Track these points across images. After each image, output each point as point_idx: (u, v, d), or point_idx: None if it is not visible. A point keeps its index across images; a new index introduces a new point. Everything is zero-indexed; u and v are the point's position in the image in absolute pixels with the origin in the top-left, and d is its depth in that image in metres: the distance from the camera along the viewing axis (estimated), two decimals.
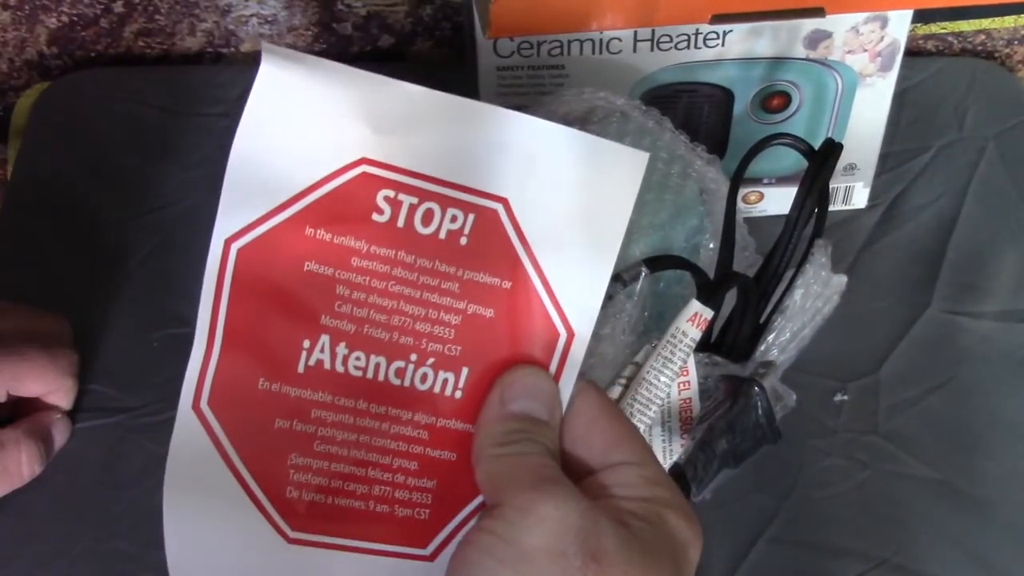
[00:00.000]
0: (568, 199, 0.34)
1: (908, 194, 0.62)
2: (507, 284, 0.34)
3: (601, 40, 0.51)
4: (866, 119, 0.57)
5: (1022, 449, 0.53)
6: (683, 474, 0.40)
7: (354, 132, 0.33)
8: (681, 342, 0.39)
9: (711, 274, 0.43)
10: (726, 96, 0.55)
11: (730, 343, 0.43)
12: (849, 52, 0.53)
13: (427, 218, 0.34)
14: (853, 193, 0.60)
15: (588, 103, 0.50)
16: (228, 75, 0.65)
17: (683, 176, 0.48)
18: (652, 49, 0.52)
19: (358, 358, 0.34)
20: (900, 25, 0.53)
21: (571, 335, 0.34)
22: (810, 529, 0.50)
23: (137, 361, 0.53)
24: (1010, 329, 0.56)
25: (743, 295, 0.42)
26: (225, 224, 0.33)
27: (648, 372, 0.39)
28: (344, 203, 0.33)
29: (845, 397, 0.54)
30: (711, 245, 0.48)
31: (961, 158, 0.63)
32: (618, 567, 0.30)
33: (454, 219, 0.34)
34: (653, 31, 0.51)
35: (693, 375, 0.42)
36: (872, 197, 0.61)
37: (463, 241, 0.34)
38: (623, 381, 0.40)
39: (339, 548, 0.35)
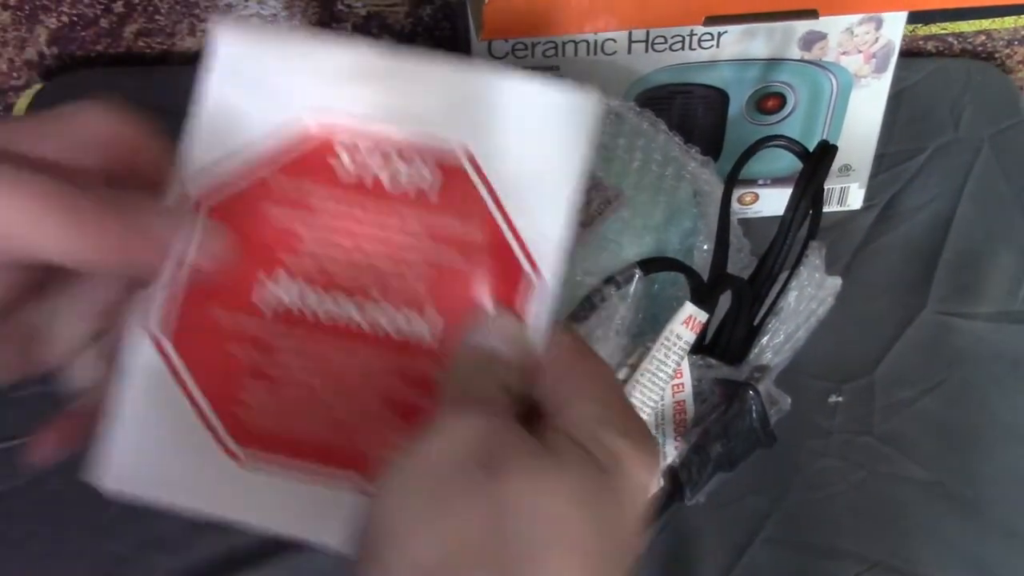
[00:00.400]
0: (527, 145, 0.35)
1: (903, 195, 0.62)
2: (478, 236, 0.35)
3: (595, 41, 0.51)
4: (861, 120, 0.57)
5: (1016, 450, 0.53)
6: (677, 477, 0.40)
7: (313, 84, 0.35)
8: (675, 344, 0.39)
9: (705, 276, 0.43)
10: (721, 97, 0.55)
11: (724, 345, 0.43)
12: (844, 53, 0.53)
13: (389, 170, 0.35)
14: (848, 194, 0.60)
15: None
16: None
17: (677, 178, 0.48)
18: (647, 50, 0.52)
19: (317, 292, 0.35)
20: (895, 26, 0.53)
21: (540, 279, 0.35)
22: (805, 530, 0.50)
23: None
24: (1004, 330, 0.56)
25: (737, 297, 0.42)
26: (190, 179, 0.35)
27: (642, 374, 0.39)
28: (301, 152, 0.35)
29: (840, 399, 0.54)
30: (705, 247, 0.48)
31: (956, 159, 0.63)
32: (524, 478, 0.28)
33: (418, 171, 0.35)
34: (647, 32, 0.50)
35: (687, 377, 0.42)
36: (867, 198, 0.61)
37: (424, 186, 0.35)
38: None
39: (293, 468, 0.35)
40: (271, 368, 0.35)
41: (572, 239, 0.35)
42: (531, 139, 0.35)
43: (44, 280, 0.38)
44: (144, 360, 0.35)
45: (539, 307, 0.34)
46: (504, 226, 0.35)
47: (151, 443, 0.36)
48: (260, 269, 0.35)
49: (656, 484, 0.33)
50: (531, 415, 0.32)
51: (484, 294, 0.35)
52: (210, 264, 0.35)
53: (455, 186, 0.35)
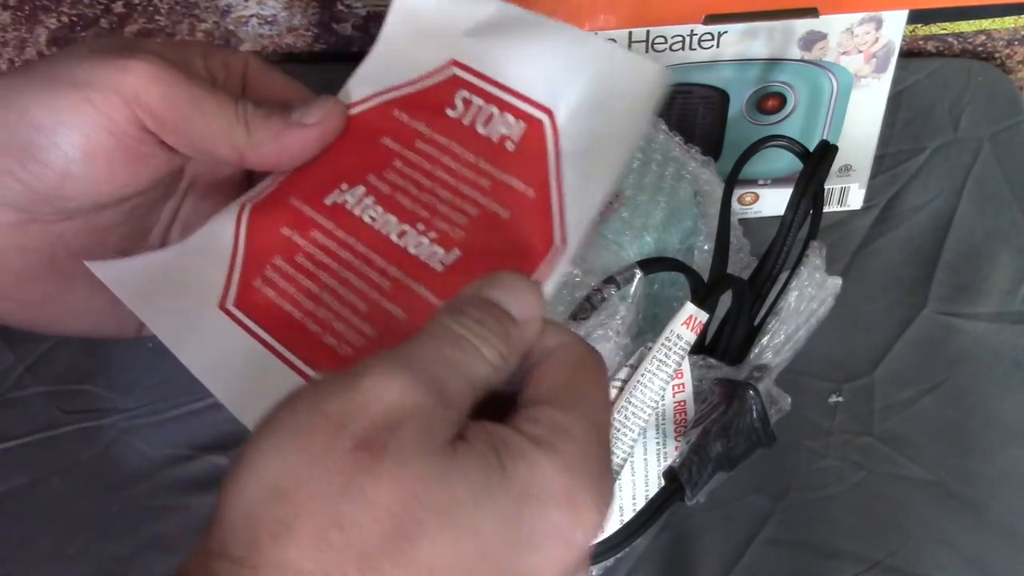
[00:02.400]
0: (598, 111, 0.37)
1: (903, 195, 0.62)
2: (531, 192, 0.36)
3: None
4: (861, 120, 0.57)
5: (1016, 450, 0.53)
6: (677, 477, 0.40)
7: (453, 37, 0.40)
8: (676, 345, 0.39)
9: (705, 276, 0.43)
10: (721, 97, 0.55)
11: (724, 345, 0.43)
12: (844, 53, 0.53)
13: (487, 120, 0.38)
14: (848, 194, 0.60)
15: None
16: None
17: (677, 178, 0.48)
18: (647, 50, 0.52)
19: (376, 210, 0.38)
20: (895, 26, 0.53)
21: (564, 246, 0.35)
22: (805, 530, 0.50)
23: (132, 363, 0.53)
24: (1005, 330, 0.56)
25: (737, 297, 0.42)
26: (344, 95, 0.41)
27: (643, 375, 0.39)
28: (430, 97, 0.40)
29: (840, 399, 0.54)
30: (706, 247, 0.48)
31: (956, 159, 0.63)
32: (392, 469, 0.25)
33: (508, 124, 0.38)
34: (647, 32, 0.51)
35: (688, 378, 0.42)
36: (867, 198, 0.61)
37: (509, 146, 0.38)
38: (618, 384, 0.40)
39: (256, 338, 0.36)
40: (299, 255, 0.38)
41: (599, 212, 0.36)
42: (603, 103, 0.37)
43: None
44: (220, 228, 0.39)
45: (553, 277, 0.35)
46: (554, 188, 0.37)
47: (166, 274, 0.39)
48: (345, 180, 0.39)
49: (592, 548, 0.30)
50: (497, 399, 0.30)
51: (512, 250, 0.36)
52: (319, 132, 0.40)
53: (532, 141, 0.37)
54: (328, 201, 0.39)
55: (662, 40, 0.51)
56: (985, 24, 0.68)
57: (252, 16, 0.66)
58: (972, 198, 0.61)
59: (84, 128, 0.36)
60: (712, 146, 0.57)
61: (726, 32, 0.51)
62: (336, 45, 0.68)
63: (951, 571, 0.49)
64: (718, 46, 0.52)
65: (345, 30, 0.67)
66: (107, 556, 0.48)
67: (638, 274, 0.40)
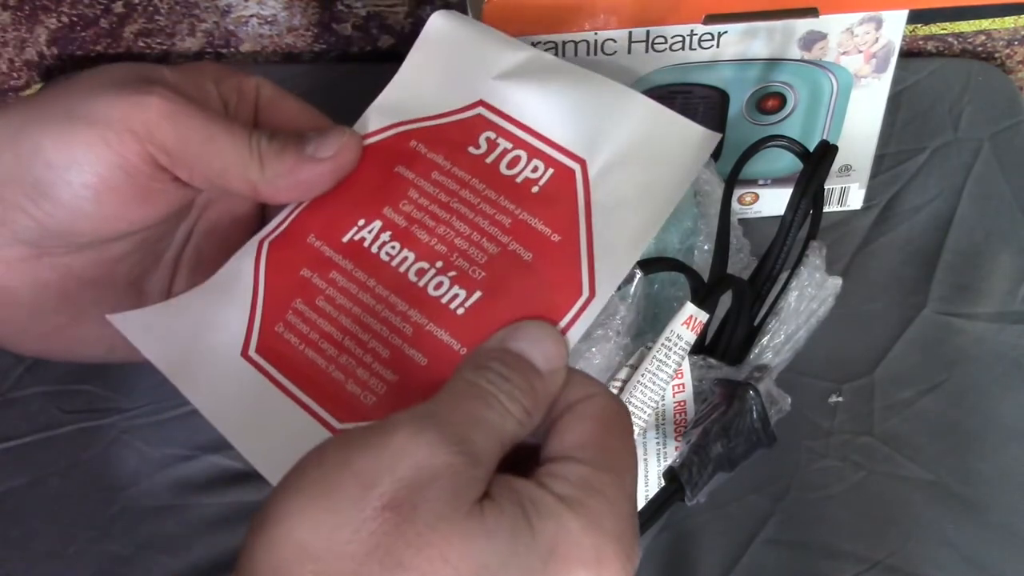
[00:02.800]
0: (636, 167, 0.37)
1: (903, 195, 0.62)
2: (556, 237, 0.36)
3: (595, 41, 0.51)
4: (861, 120, 0.57)
5: (1016, 450, 0.53)
6: (677, 477, 0.40)
7: (481, 78, 0.39)
8: (676, 345, 0.39)
9: (705, 276, 0.43)
10: (721, 97, 0.55)
11: (724, 346, 0.43)
12: (844, 53, 0.53)
13: (513, 163, 0.38)
14: (848, 194, 0.60)
15: None
16: None
17: None
18: (647, 50, 0.52)
19: (393, 247, 0.37)
20: (895, 26, 0.53)
21: (592, 296, 0.35)
22: (805, 530, 0.50)
23: (132, 363, 0.53)
24: (1005, 330, 0.56)
25: (738, 297, 0.42)
26: (361, 124, 0.41)
27: (643, 375, 0.39)
28: (452, 133, 0.39)
29: (840, 399, 0.54)
30: (706, 247, 0.48)
31: (956, 159, 0.63)
32: (421, 532, 0.25)
33: (535, 169, 0.37)
34: (647, 32, 0.50)
35: (688, 378, 0.42)
36: (867, 198, 0.61)
37: (535, 190, 0.37)
38: (618, 384, 0.40)
39: (279, 387, 0.36)
40: (319, 297, 0.37)
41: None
42: (644, 160, 0.36)
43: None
44: (240, 269, 0.39)
45: (579, 327, 0.34)
46: (583, 236, 0.36)
47: (187, 321, 0.38)
48: (362, 215, 0.38)
49: None
50: (520, 448, 0.30)
51: (536, 295, 0.35)
52: (334, 166, 0.39)
53: (559, 186, 0.37)
54: (346, 239, 0.38)
55: (662, 40, 0.51)
56: (985, 24, 0.68)
57: (252, 16, 0.66)
58: (972, 198, 0.61)
59: (97, 167, 0.36)
60: None
61: (726, 32, 0.51)
62: (336, 45, 0.68)
63: (951, 571, 0.49)
64: (718, 46, 0.52)
65: (345, 30, 0.67)
66: (107, 556, 0.48)
67: (638, 274, 0.40)
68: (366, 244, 0.37)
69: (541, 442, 0.31)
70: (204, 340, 0.37)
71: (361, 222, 0.38)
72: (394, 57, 0.69)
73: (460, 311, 0.35)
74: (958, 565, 0.49)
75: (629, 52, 0.52)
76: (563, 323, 0.34)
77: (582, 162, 0.37)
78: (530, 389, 0.30)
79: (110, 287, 0.40)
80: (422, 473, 0.26)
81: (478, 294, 0.35)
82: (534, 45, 0.52)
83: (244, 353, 0.37)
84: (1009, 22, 0.68)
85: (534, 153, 0.38)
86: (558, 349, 0.32)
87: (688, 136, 0.37)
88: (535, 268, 0.35)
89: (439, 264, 0.36)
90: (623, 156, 0.37)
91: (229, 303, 0.38)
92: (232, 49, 0.68)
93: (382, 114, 0.41)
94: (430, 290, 0.36)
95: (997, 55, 0.70)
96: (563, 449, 0.29)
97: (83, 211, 0.36)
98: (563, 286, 0.35)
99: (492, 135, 0.38)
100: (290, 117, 0.42)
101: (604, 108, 0.38)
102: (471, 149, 0.38)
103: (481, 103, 0.39)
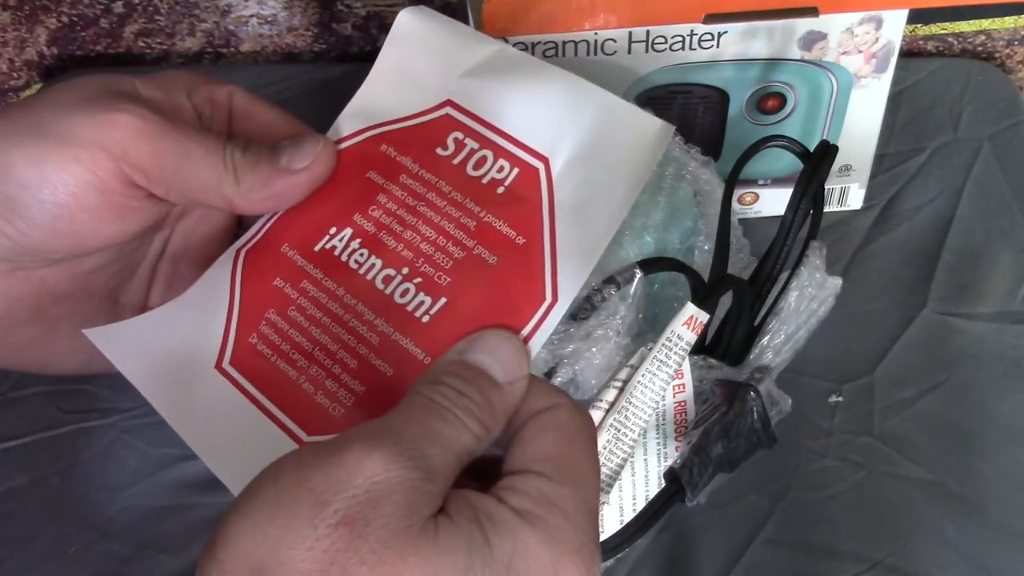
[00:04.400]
0: (595, 165, 0.37)
1: (903, 195, 0.62)
2: (521, 240, 0.35)
3: (595, 41, 0.51)
4: (861, 120, 0.57)
5: (1016, 450, 0.53)
6: (678, 478, 0.40)
7: (449, 77, 0.39)
8: (676, 345, 0.39)
9: (705, 276, 0.43)
10: (721, 97, 0.55)
11: (725, 346, 0.43)
12: (844, 53, 0.53)
13: (479, 163, 0.37)
14: (848, 194, 0.60)
15: None
16: (222, 76, 0.65)
17: (677, 178, 0.48)
18: (647, 50, 0.52)
19: (362, 255, 0.37)
20: (895, 26, 0.53)
21: (555, 301, 0.34)
22: (805, 530, 0.50)
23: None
24: (1005, 330, 0.56)
25: (738, 298, 0.42)
26: (334, 130, 0.40)
27: (643, 375, 0.39)
28: (421, 134, 0.39)
29: (840, 399, 0.54)
30: (706, 247, 0.48)
31: (956, 159, 0.63)
32: (374, 548, 0.25)
33: (501, 169, 0.37)
34: (647, 32, 0.50)
35: (688, 378, 0.42)
36: (867, 198, 0.61)
37: (500, 190, 0.37)
38: (618, 384, 0.40)
39: (251, 399, 0.35)
40: (291, 307, 0.37)
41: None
42: (602, 155, 0.36)
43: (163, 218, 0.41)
44: (217, 280, 0.38)
45: (542, 334, 0.34)
46: (547, 239, 0.35)
47: (163, 336, 0.38)
48: (334, 223, 0.38)
49: None
50: (481, 466, 0.30)
51: (499, 299, 0.35)
52: (308, 177, 0.38)
53: (524, 186, 0.36)
54: (317, 248, 0.38)
55: (662, 40, 0.51)
56: (985, 24, 0.68)
57: (252, 16, 0.66)
58: (972, 198, 0.61)
59: (70, 186, 0.35)
60: (712, 146, 0.57)
61: (726, 32, 0.51)
62: (336, 45, 0.68)
63: (951, 571, 0.49)
64: (718, 46, 0.52)
65: (345, 30, 0.67)
66: (107, 556, 0.48)
67: (638, 274, 0.40)
68: (336, 252, 0.37)
69: (503, 453, 0.30)
70: (179, 353, 0.37)
71: (332, 230, 0.38)
72: None
73: (425, 319, 0.35)
74: (958, 565, 0.49)
75: (629, 52, 0.52)
76: (525, 331, 0.34)
77: (545, 160, 0.37)
78: (487, 403, 0.30)
79: (84, 300, 0.40)
80: (376, 489, 0.26)
81: (443, 300, 0.35)
82: (534, 45, 0.52)
83: (218, 365, 0.36)
84: (1009, 22, 0.68)
85: (500, 152, 0.37)
86: (519, 360, 0.31)
87: (645, 128, 0.36)
88: (499, 272, 0.35)
89: (405, 270, 0.36)
90: (583, 153, 0.36)
91: (206, 315, 0.38)
92: (232, 49, 0.68)
93: (354, 118, 0.40)
94: (396, 297, 0.36)
95: (997, 55, 0.71)
96: (524, 462, 0.29)
97: (57, 229, 0.36)
98: (526, 291, 0.35)
99: (460, 135, 0.38)
100: (264, 124, 0.41)
101: (564, 103, 0.37)
102: (439, 150, 0.38)
103: (449, 103, 0.39)
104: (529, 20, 0.47)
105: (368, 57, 0.69)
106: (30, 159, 0.35)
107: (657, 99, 0.54)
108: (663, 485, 0.41)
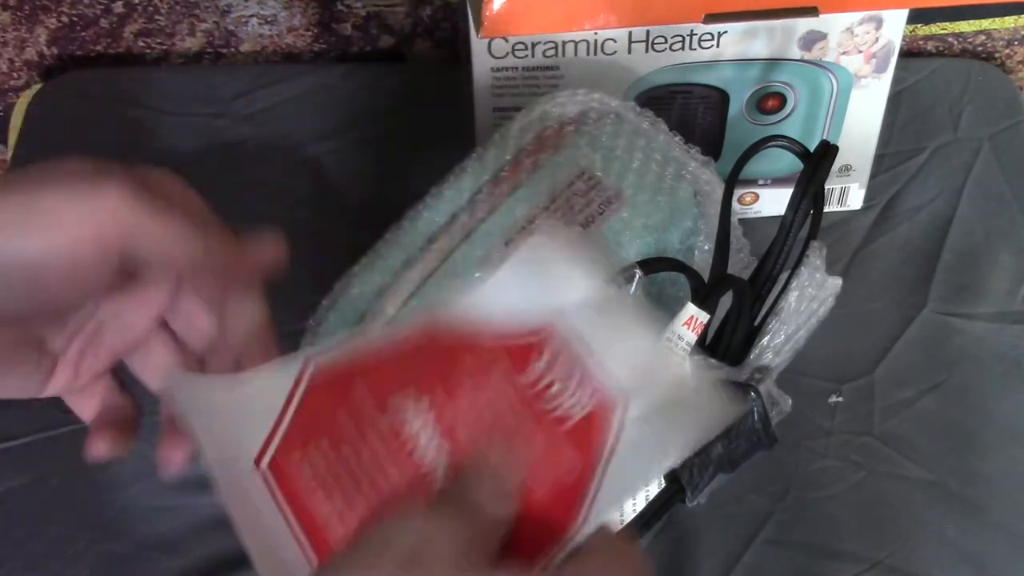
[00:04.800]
0: (659, 422, 0.36)
1: (903, 195, 0.62)
2: (569, 477, 0.35)
3: (595, 41, 0.51)
4: (861, 120, 0.57)
5: (1015, 450, 0.53)
6: (678, 478, 0.40)
7: (558, 305, 0.39)
8: (677, 345, 0.39)
9: (705, 276, 0.42)
10: (721, 97, 0.55)
11: (725, 346, 0.43)
12: (844, 53, 0.53)
13: (563, 387, 0.37)
14: (848, 194, 0.60)
15: (582, 105, 0.50)
16: (222, 76, 0.65)
17: (677, 178, 0.48)
18: (647, 50, 0.52)
19: (428, 432, 0.36)
20: (895, 26, 0.53)
21: (583, 525, 0.35)
22: (805, 531, 0.50)
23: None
24: (1004, 330, 0.56)
25: (738, 298, 0.42)
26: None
27: None
28: (513, 351, 0.38)
29: (840, 399, 0.54)
30: (706, 247, 0.48)
31: (956, 159, 0.63)
32: None
33: (579, 399, 0.37)
34: (647, 32, 0.51)
35: None
36: (867, 198, 0.61)
37: (569, 425, 0.36)
38: None
39: (278, 506, 0.36)
40: (345, 440, 0.37)
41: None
42: (670, 417, 0.36)
43: (125, 279, 0.39)
44: (280, 376, 0.38)
45: (564, 551, 0.34)
46: (597, 479, 0.36)
47: (225, 400, 0.38)
48: (414, 385, 0.38)
49: None
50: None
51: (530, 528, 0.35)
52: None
53: (593, 426, 0.36)
54: (391, 403, 0.37)
55: (662, 40, 0.51)
56: (985, 24, 0.68)
57: (252, 16, 0.66)
58: (972, 198, 0.61)
59: (47, 258, 0.34)
60: (712, 146, 0.57)
61: (726, 32, 0.51)
62: (336, 45, 0.68)
63: (951, 571, 0.49)
64: (718, 46, 0.52)
65: (345, 30, 0.67)
66: (107, 556, 0.48)
67: (638, 274, 0.40)
68: (406, 421, 0.37)
69: None
70: (233, 426, 0.38)
71: (411, 390, 0.38)
72: (394, 57, 0.69)
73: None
74: (958, 565, 0.49)
75: (629, 52, 0.52)
76: (547, 557, 0.34)
77: (622, 401, 0.37)
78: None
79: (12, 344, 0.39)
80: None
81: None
82: (534, 45, 0.52)
83: (257, 461, 0.37)
84: (1009, 22, 0.68)
85: (585, 382, 0.37)
86: None
87: (716, 406, 0.37)
88: (541, 500, 0.35)
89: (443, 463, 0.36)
90: (657, 409, 0.37)
91: (258, 406, 0.38)
92: (232, 49, 0.68)
93: (476, 309, 0.40)
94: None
95: (997, 55, 0.71)
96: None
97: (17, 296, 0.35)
98: (557, 523, 0.35)
99: (547, 361, 0.38)
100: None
101: (659, 360, 0.37)
102: (534, 358, 0.38)
103: (551, 326, 0.38)
104: (528, 19, 0.47)
105: (368, 57, 0.69)
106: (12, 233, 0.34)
107: (657, 99, 0.54)
108: (663, 486, 0.41)
